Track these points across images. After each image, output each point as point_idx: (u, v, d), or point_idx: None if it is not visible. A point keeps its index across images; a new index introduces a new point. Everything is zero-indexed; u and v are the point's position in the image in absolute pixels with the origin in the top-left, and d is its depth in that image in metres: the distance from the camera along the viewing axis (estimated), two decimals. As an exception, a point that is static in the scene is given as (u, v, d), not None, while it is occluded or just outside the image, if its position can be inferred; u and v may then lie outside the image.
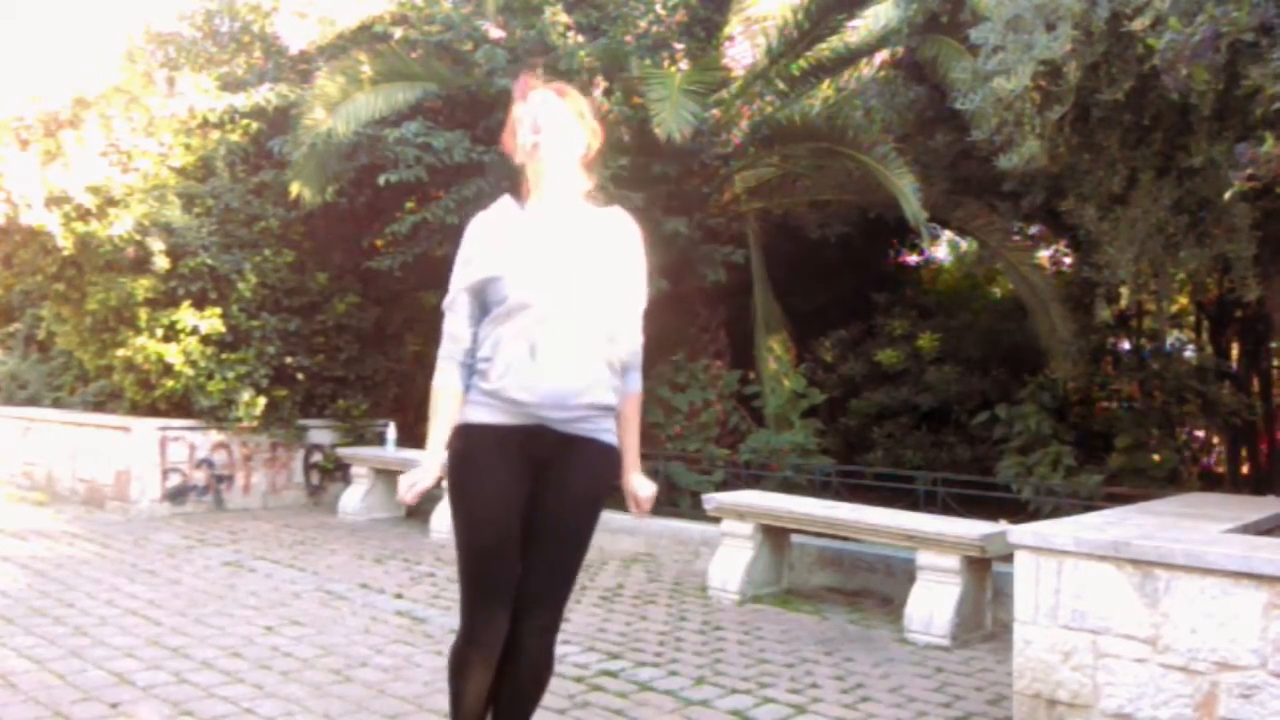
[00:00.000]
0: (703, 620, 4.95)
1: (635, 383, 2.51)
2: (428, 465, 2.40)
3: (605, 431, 2.42)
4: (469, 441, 2.40)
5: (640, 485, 2.55)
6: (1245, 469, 9.17)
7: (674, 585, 5.75)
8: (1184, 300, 9.23)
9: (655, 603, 5.31)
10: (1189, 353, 9.49)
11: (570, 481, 2.40)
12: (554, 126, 2.40)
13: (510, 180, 7.94)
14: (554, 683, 3.78)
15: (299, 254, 8.66)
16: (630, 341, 2.47)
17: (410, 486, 2.37)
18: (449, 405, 2.43)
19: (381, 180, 7.41)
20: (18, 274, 8.62)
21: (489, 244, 2.43)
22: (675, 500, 7.15)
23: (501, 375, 2.34)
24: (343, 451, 8.48)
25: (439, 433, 2.43)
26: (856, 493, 6.47)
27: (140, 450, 7.73)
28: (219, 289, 8.15)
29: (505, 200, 2.51)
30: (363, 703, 3.57)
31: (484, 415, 2.38)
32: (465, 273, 2.44)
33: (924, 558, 4.77)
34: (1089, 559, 3.28)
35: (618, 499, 2.57)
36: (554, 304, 2.32)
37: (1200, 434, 8.68)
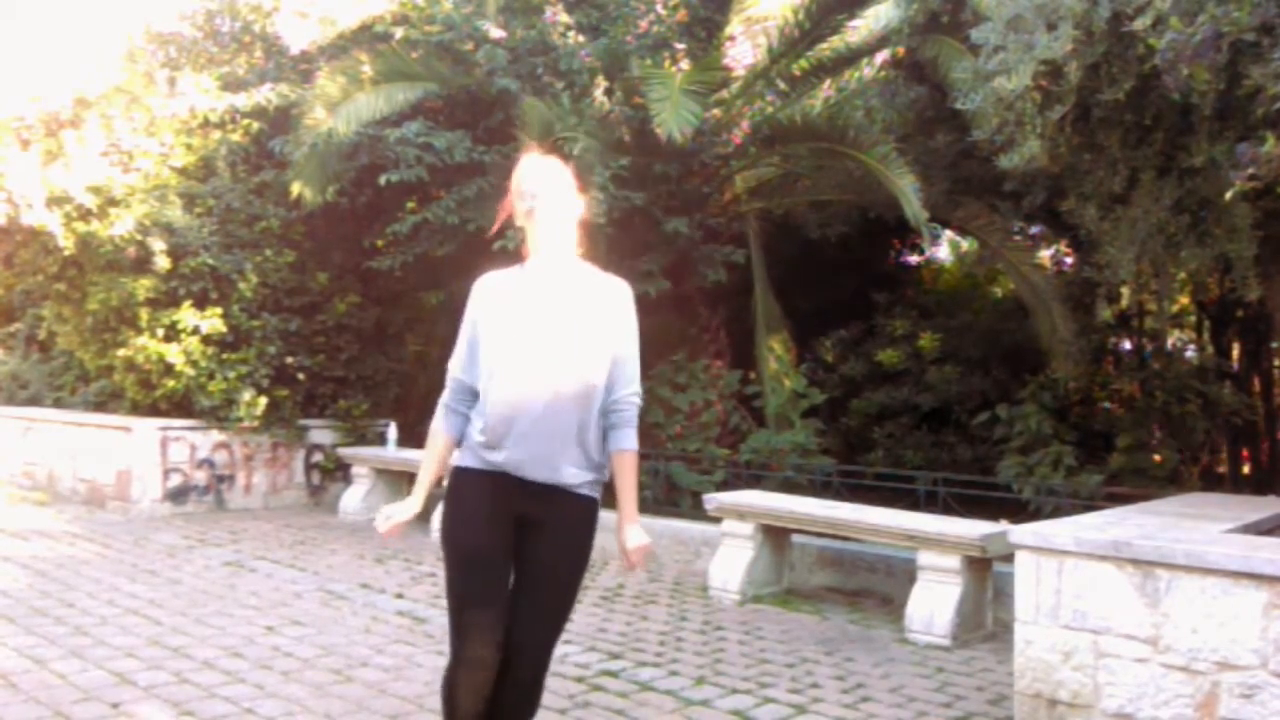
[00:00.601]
0: (703, 620, 4.95)
1: (627, 440, 2.58)
2: (409, 502, 2.63)
3: (586, 486, 2.55)
4: (459, 481, 2.60)
5: (631, 538, 2.59)
6: (1246, 469, 9.17)
7: (674, 585, 5.76)
8: (1185, 300, 9.22)
9: (656, 603, 5.31)
10: (1190, 353, 9.49)
11: (550, 539, 2.53)
12: (549, 191, 2.57)
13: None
14: (554, 683, 3.79)
15: (300, 254, 8.66)
16: (621, 398, 2.56)
17: (386, 519, 2.61)
18: (435, 450, 2.68)
19: (382, 180, 7.41)
20: (19, 274, 8.63)
21: (483, 308, 2.62)
22: (676, 500, 7.15)
23: (483, 434, 2.53)
24: (343, 451, 8.48)
25: (424, 474, 2.67)
26: (857, 493, 6.47)
27: (141, 450, 7.73)
28: (220, 289, 8.16)
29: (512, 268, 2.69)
30: (363, 703, 3.57)
31: (473, 462, 2.58)
32: (463, 333, 2.65)
33: (924, 558, 4.77)
34: (1090, 559, 3.28)
35: (611, 499, 2.57)
36: (529, 372, 2.48)
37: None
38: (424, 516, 7.62)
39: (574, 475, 2.51)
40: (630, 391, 2.58)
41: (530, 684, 2.55)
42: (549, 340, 2.49)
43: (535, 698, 2.58)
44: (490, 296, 2.62)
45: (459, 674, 2.50)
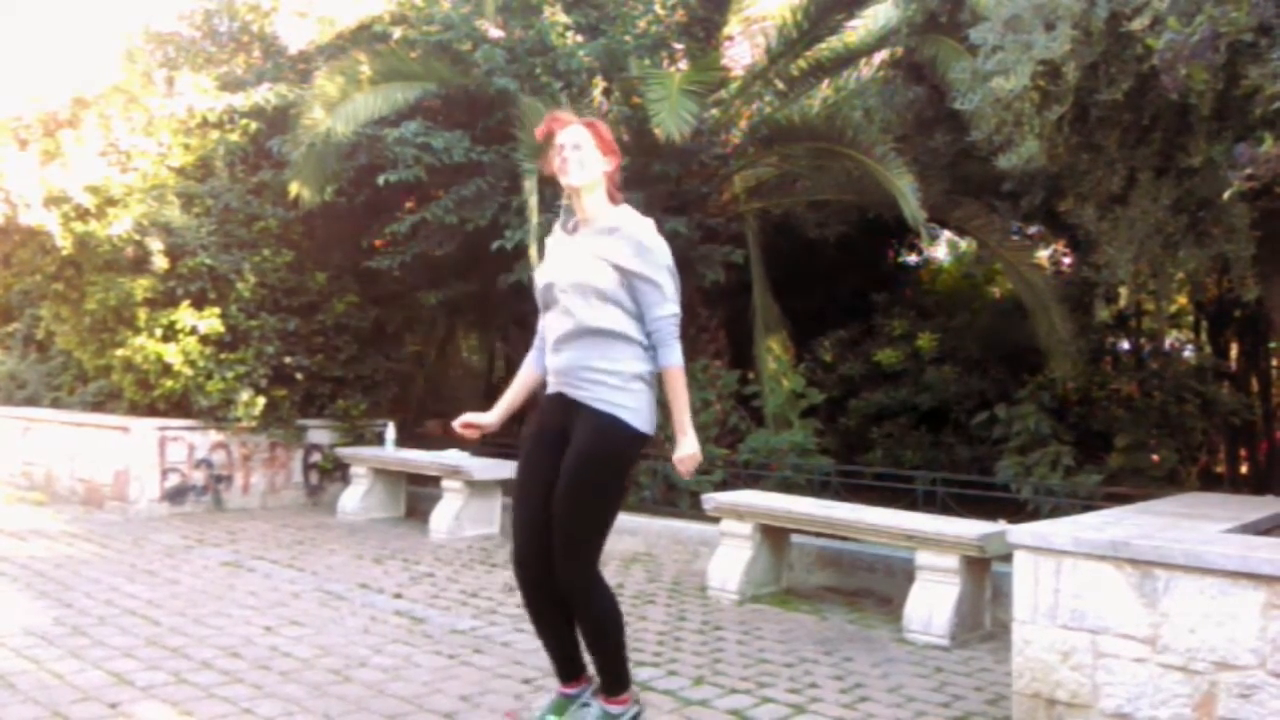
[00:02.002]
0: (702, 620, 4.95)
1: (665, 357, 2.91)
2: (489, 415, 3.14)
3: (603, 402, 2.87)
4: (539, 402, 3.09)
5: (677, 449, 2.94)
6: (1244, 469, 9.18)
7: (673, 585, 5.76)
8: (1183, 300, 9.22)
9: (654, 603, 5.31)
10: (1188, 353, 9.49)
11: (572, 446, 2.89)
12: (574, 151, 2.94)
13: (509, 180, 7.96)
14: (554, 682, 3.77)
15: (298, 254, 8.66)
16: (650, 321, 2.89)
17: (465, 422, 3.11)
18: (517, 378, 3.21)
19: (380, 180, 7.40)
20: (17, 274, 8.62)
21: (546, 254, 3.12)
22: (674, 500, 7.15)
23: (546, 355, 3.05)
24: (342, 451, 8.47)
25: (505, 396, 3.19)
26: (856, 492, 6.47)
27: (139, 450, 7.73)
28: (218, 289, 8.15)
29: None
30: (362, 703, 3.57)
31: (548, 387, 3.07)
32: None
33: (923, 557, 4.77)
34: (1088, 559, 3.28)
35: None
36: (555, 308, 2.94)
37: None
38: (422, 517, 7.65)
39: (589, 391, 2.87)
40: (658, 314, 2.88)
41: (566, 585, 2.88)
42: (563, 281, 2.92)
43: (578, 601, 2.89)
44: (550, 246, 3.11)
45: (512, 568, 3.03)
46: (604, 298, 2.87)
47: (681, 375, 2.91)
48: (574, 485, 2.85)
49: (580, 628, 2.99)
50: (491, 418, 3.12)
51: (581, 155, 2.94)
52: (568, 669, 3.11)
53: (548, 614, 3.02)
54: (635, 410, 2.90)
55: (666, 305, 2.90)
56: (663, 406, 3.02)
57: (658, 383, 2.99)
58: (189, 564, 5.95)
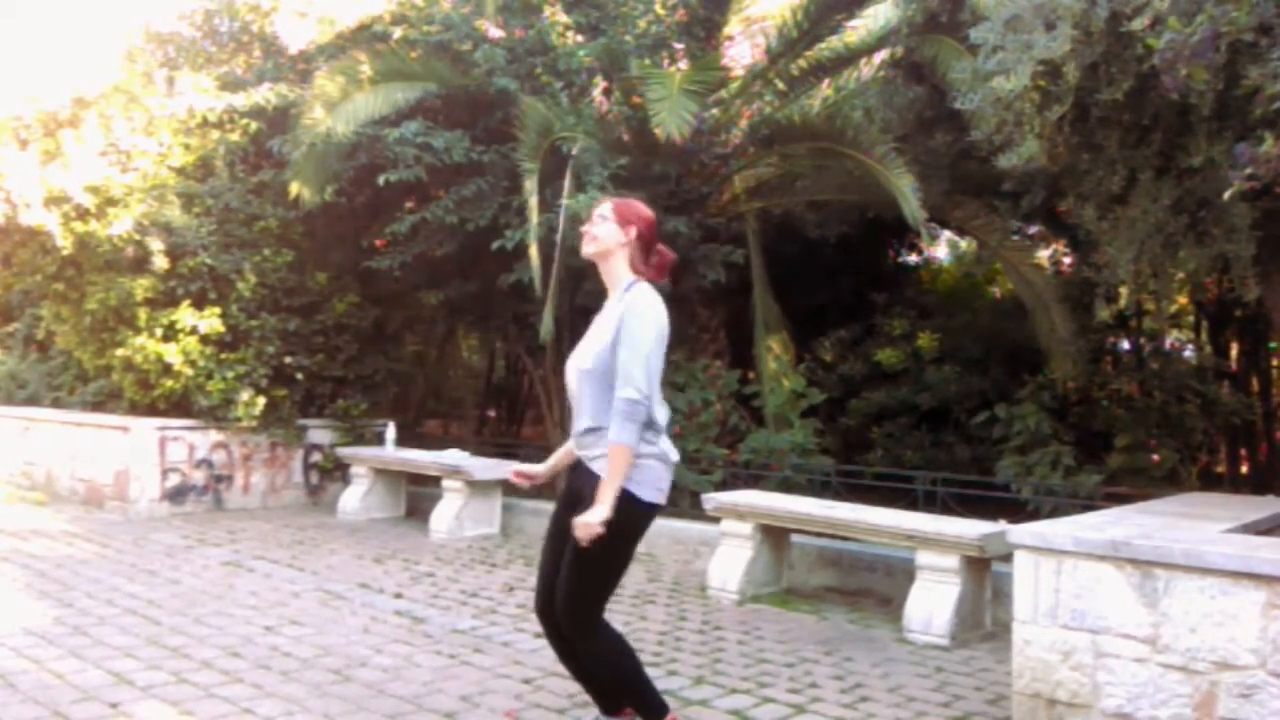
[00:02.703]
0: (702, 620, 4.95)
1: (611, 432, 2.88)
2: (539, 466, 3.31)
3: (601, 466, 2.92)
4: None
5: (589, 512, 2.81)
6: (1245, 469, 9.17)
7: (673, 585, 5.76)
8: (1183, 300, 9.21)
9: (655, 602, 5.31)
10: (1188, 352, 9.49)
11: (579, 503, 2.93)
12: (592, 225, 3.05)
13: (509, 180, 7.95)
14: (553, 682, 3.80)
15: (298, 254, 8.66)
16: (617, 395, 2.88)
17: (519, 471, 3.29)
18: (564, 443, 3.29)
19: (381, 180, 7.40)
20: (17, 274, 8.62)
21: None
22: (674, 500, 7.12)
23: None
24: (342, 451, 8.47)
25: (556, 452, 3.32)
26: (856, 492, 6.47)
27: (139, 450, 7.73)
28: (218, 289, 8.15)
29: None
30: (362, 702, 3.58)
31: None
32: None
33: (923, 557, 4.77)
34: (1088, 559, 3.28)
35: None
36: (570, 376, 3.07)
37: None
38: (422, 517, 7.65)
39: (598, 464, 2.93)
40: (619, 394, 2.88)
41: (569, 636, 2.97)
42: (571, 368, 3.05)
43: (582, 651, 2.98)
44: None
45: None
46: (602, 385, 2.93)
47: (622, 455, 2.85)
48: (575, 547, 2.88)
49: (593, 674, 3.06)
50: (541, 469, 3.27)
51: (596, 228, 3.03)
52: (607, 703, 3.16)
53: (571, 655, 3.09)
54: (637, 482, 2.93)
55: (628, 389, 2.86)
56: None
57: (666, 460, 3.08)
58: (189, 564, 5.95)
